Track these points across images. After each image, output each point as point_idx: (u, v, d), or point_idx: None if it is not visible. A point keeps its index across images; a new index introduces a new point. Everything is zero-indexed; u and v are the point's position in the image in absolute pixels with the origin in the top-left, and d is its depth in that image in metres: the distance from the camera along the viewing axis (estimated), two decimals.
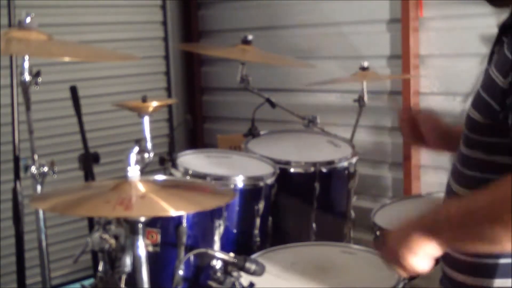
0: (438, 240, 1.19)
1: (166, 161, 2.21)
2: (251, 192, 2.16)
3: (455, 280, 1.33)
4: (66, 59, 1.92)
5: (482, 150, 1.24)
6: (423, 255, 1.22)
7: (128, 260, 1.53)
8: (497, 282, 1.25)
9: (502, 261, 1.24)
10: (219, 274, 1.72)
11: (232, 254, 1.72)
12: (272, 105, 2.81)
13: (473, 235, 1.14)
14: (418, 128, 1.67)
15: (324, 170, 2.38)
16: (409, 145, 1.63)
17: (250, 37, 2.68)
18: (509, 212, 1.05)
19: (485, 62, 1.35)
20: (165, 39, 3.81)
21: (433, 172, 2.96)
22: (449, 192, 1.36)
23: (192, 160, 2.27)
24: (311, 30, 3.38)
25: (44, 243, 2.11)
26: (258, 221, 2.18)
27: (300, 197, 2.42)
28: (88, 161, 2.40)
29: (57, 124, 3.28)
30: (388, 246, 1.29)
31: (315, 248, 2.03)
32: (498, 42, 1.29)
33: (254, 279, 1.69)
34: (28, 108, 2.03)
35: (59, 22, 3.24)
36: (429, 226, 1.21)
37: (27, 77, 1.97)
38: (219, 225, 1.99)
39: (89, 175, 2.42)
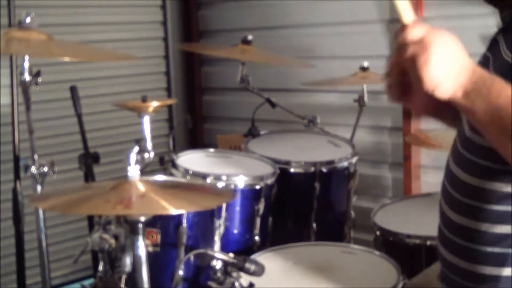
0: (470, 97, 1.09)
1: (166, 161, 2.21)
2: (251, 192, 2.16)
3: (455, 266, 1.32)
4: (66, 59, 1.92)
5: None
6: (445, 78, 1.09)
7: (128, 260, 1.53)
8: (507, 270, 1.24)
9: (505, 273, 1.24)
10: (219, 274, 1.72)
11: (231, 255, 1.72)
12: (272, 105, 2.82)
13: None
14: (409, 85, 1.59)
15: (324, 170, 2.38)
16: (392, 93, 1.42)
17: (250, 37, 2.68)
18: None
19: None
20: (165, 39, 3.81)
21: (433, 172, 2.96)
22: (449, 179, 1.35)
23: (192, 160, 2.27)
24: (311, 30, 3.37)
25: (44, 243, 2.11)
26: (258, 221, 2.18)
27: (300, 197, 2.43)
28: (88, 161, 2.40)
29: (57, 124, 3.28)
30: (430, 34, 1.11)
31: (315, 248, 2.03)
32: (506, 30, 1.28)
33: (254, 279, 1.69)
34: (28, 108, 2.03)
35: (59, 22, 3.24)
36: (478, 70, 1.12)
37: (27, 77, 1.97)
38: (219, 225, 1.99)
39: (89, 175, 2.42)
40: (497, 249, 1.23)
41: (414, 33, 1.12)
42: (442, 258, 1.36)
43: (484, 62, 1.30)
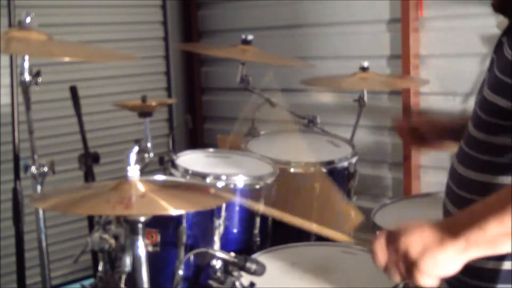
0: (467, 242, 1.08)
1: (166, 161, 2.21)
2: (251, 192, 2.16)
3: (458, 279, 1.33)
4: (66, 59, 1.92)
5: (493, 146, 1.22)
6: (441, 263, 1.10)
7: (128, 260, 1.53)
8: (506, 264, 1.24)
9: (505, 266, 1.24)
10: (219, 274, 1.72)
11: (232, 254, 1.72)
12: (272, 105, 2.81)
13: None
14: (420, 135, 1.65)
15: (324, 170, 2.38)
16: (408, 145, 1.58)
17: (250, 37, 2.68)
18: None
19: (485, 62, 1.35)
20: (165, 39, 3.81)
21: (433, 172, 2.96)
22: (454, 179, 1.36)
23: (192, 160, 2.27)
24: (311, 30, 3.37)
25: (44, 243, 2.11)
26: (258, 221, 2.18)
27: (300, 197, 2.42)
28: (88, 161, 2.40)
29: (57, 124, 3.28)
30: (394, 245, 1.15)
31: (315, 248, 2.03)
32: (508, 32, 1.29)
33: (254, 279, 1.69)
34: (28, 108, 2.03)
35: (59, 22, 3.24)
36: (459, 221, 1.11)
37: (27, 77, 1.97)
38: (219, 225, 1.99)
39: (89, 175, 2.42)
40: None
41: (383, 255, 1.16)
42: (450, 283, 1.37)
43: (490, 65, 1.31)
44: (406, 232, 1.15)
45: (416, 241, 1.13)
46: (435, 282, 1.13)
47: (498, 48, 1.31)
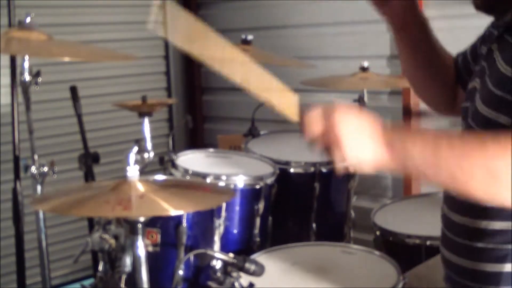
0: (402, 154, 1.09)
1: (166, 161, 2.21)
2: (251, 192, 2.16)
3: (458, 265, 1.33)
4: (66, 59, 1.92)
5: None
6: (361, 151, 1.10)
7: (128, 260, 1.53)
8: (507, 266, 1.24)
9: (505, 269, 1.24)
10: (218, 274, 1.72)
11: (231, 255, 1.72)
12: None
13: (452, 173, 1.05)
14: None
15: (324, 170, 2.38)
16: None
17: (250, 37, 2.68)
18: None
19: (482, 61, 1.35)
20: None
21: None
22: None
23: (192, 160, 2.27)
24: (311, 30, 3.37)
25: (44, 243, 2.11)
26: (258, 221, 2.18)
27: (300, 197, 2.42)
28: (88, 161, 2.40)
29: (57, 124, 3.29)
30: (329, 117, 1.13)
31: (315, 248, 2.03)
32: (498, 39, 1.28)
33: (253, 279, 1.69)
34: (28, 108, 2.03)
35: (59, 22, 3.24)
36: (395, 129, 1.12)
37: (27, 77, 1.97)
38: (219, 225, 1.99)
39: (89, 175, 2.42)
40: (496, 246, 1.24)
41: (315, 125, 1.15)
42: (445, 260, 1.36)
43: (480, 71, 1.31)
44: (345, 109, 1.14)
45: (351, 120, 1.12)
46: (347, 165, 1.13)
47: (488, 57, 1.29)
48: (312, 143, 1.17)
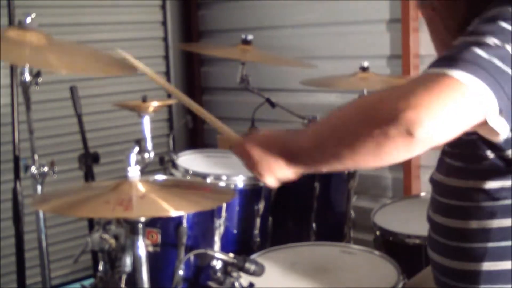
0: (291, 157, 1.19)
1: (166, 161, 2.21)
2: (251, 192, 2.16)
3: (441, 265, 1.34)
4: (63, 71, 1.92)
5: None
6: (273, 167, 1.23)
7: (128, 260, 1.53)
8: (485, 265, 1.26)
9: (490, 244, 1.25)
10: (219, 274, 1.72)
11: (231, 255, 1.72)
12: (272, 105, 2.81)
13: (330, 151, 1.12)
14: None
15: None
16: None
17: (250, 37, 2.68)
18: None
19: None
20: (165, 39, 3.80)
21: None
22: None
23: (192, 160, 2.27)
24: (311, 30, 3.37)
25: (44, 243, 2.11)
26: (258, 221, 2.18)
27: (300, 197, 2.42)
28: (88, 161, 2.40)
29: (57, 124, 3.28)
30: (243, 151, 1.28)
31: (315, 248, 2.03)
32: None
33: (253, 279, 1.69)
34: (28, 108, 2.03)
35: (59, 22, 3.24)
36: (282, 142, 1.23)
37: (27, 77, 1.97)
38: (219, 225, 1.99)
39: (89, 175, 2.42)
40: (473, 245, 1.26)
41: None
42: (431, 260, 1.38)
43: None
44: (250, 139, 1.30)
45: (256, 146, 1.25)
46: (276, 182, 1.26)
47: None
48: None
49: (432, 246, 1.39)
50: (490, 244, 1.23)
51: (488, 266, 1.25)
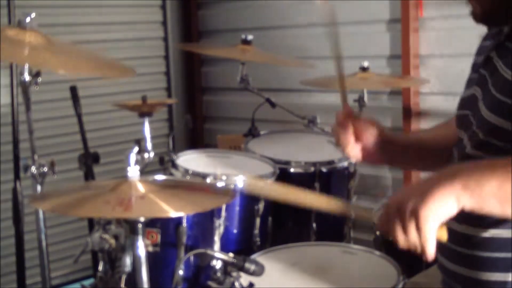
0: (476, 192, 1.06)
1: (166, 161, 2.21)
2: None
3: (451, 271, 1.33)
4: (61, 71, 1.91)
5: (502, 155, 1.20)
6: (439, 204, 1.06)
7: (128, 260, 1.53)
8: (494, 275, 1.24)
9: (497, 255, 1.24)
10: (218, 274, 1.72)
11: (231, 255, 1.72)
12: (272, 105, 2.81)
13: None
14: (357, 133, 1.50)
15: (324, 170, 2.38)
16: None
17: (250, 37, 2.68)
18: None
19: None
20: (165, 39, 3.81)
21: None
22: None
23: (192, 160, 2.27)
24: (311, 30, 3.37)
25: (44, 243, 2.11)
26: (258, 221, 2.18)
27: None
28: (88, 161, 2.40)
29: (57, 124, 3.28)
30: (396, 209, 1.09)
31: (315, 248, 2.03)
32: (497, 47, 1.29)
33: (253, 279, 1.69)
34: (28, 108, 2.02)
35: (59, 22, 3.24)
36: (462, 169, 1.09)
37: (27, 77, 1.97)
38: (219, 225, 1.99)
39: (89, 175, 2.42)
40: (500, 255, 1.24)
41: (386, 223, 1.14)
42: (443, 267, 1.36)
43: (479, 79, 1.31)
44: (399, 193, 1.13)
45: (413, 193, 1.10)
46: (435, 231, 1.08)
47: (488, 65, 1.30)
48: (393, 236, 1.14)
49: (443, 253, 1.35)
50: None
51: (505, 277, 1.23)
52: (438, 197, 1.06)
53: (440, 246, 1.33)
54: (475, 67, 1.39)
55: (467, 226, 1.28)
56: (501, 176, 1.06)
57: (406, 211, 1.08)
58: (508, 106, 1.19)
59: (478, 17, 1.28)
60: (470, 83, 1.38)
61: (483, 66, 1.31)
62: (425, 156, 1.57)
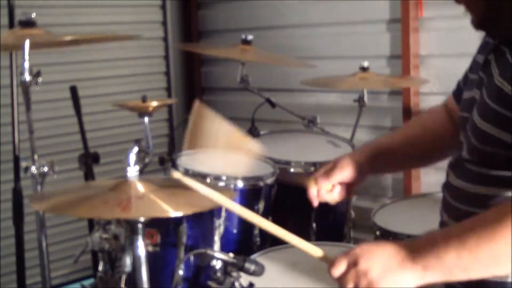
0: (430, 266, 1.12)
1: (166, 161, 2.21)
2: (251, 192, 2.16)
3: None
4: (68, 38, 1.91)
5: (494, 164, 1.21)
6: (399, 284, 1.14)
7: (128, 260, 1.53)
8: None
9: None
10: (218, 274, 1.72)
11: (231, 255, 1.72)
12: (272, 105, 2.81)
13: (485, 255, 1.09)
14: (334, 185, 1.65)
15: None
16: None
17: (250, 37, 2.68)
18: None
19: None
20: (165, 39, 3.81)
21: (433, 172, 2.96)
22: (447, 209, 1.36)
23: (192, 160, 2.27)
24: (311, 30, 3.37)
25: (44, 243, 2.11)
26: None
27: (300, 197, 2.42)
28: (88, 161, 2.40)
29: (57, 124, 3.29)
30: (355, 266, 1.19)
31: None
32: (495, 49, 1.28)
33: (253, 279, 1.69)
34: (28, 108, 2.03)
35: (59, 22, 3.24)
36: (420, 247, 1.15)
37: (27, 77, 1.97)
38: (219, 225, 1.99)
39: (89, 175, 2.42)
40: None
41: (340, 269, 1.26)
42: None
43: (478, 82, 1.31)
44: (367, 254, 1.19)
45: (377, 262, 1.16)
46: None
47: (486, 68, 1.29)
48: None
49: None
50: None
51: None
52: (399, 281, 1.14)
53: None
54: (475, 68, 1.39)
55: None
56: (456, 246, 1.11)
57: (364, 277, 1.17)
58: (499, 114, 1.18)
59: (475, 24, 1.30)
60: (471, 84, 1.38)
61: (482, 69, 1.31)
62: (417, 154, 1.60)
